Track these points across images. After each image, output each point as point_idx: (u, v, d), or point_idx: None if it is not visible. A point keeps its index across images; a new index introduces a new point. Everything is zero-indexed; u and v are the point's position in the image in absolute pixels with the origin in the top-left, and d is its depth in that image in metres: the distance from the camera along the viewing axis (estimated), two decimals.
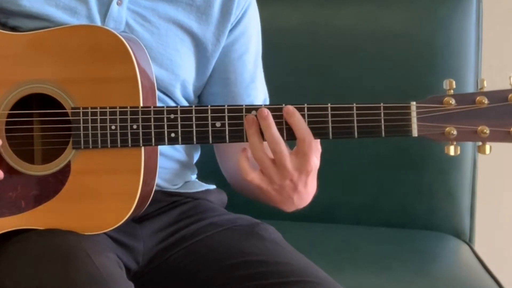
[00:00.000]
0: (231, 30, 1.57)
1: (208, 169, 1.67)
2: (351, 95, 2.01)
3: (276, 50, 1.98)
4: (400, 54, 2.04)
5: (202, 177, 1.67)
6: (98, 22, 1.49)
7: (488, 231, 2.30)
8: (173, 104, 1.54)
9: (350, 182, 2.05)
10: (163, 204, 1.55)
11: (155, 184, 1.44)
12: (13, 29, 1.47)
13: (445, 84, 1.35)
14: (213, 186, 1.66)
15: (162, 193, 1.54)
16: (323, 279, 1.40)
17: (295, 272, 1.40)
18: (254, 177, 1.38)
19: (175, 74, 1.52)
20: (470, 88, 2.04)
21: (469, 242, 2.06)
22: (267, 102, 1.65)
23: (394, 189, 2.05)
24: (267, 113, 1.35)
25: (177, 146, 1.56)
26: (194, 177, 1.66)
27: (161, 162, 1.44)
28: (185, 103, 1.57)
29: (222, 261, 1.44)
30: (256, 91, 1.61)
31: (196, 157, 1.66)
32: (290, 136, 1.36)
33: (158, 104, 1.46)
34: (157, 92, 1.47)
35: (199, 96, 1.61)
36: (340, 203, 2.05)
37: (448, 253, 2.01)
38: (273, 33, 1.98)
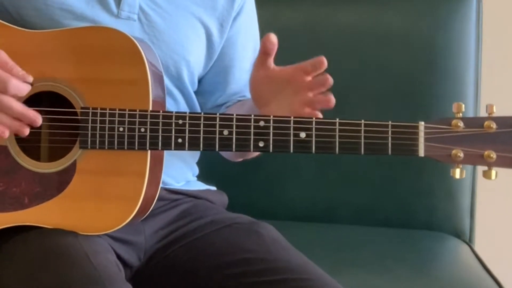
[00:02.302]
0: (235, 18, 1.60)
1: (209, 170, 1.67)
2: (351, 95, 2.01)
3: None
4: (400, 54, 2.04)
5: (202, 179, 1.68)
6: (112, 6, 1.50)
7: (488, 231, 2.30)
8: (179, 95, 1.56)
9: (350, 182, 2.05)
10: (164, 202, 1.55)
11: (158, 191, 1.43)
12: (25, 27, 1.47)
13: (454, 107, 1.34)
14: (213, 188, 1.67)
15: (164, 191, 1.55)
16: (321, 276, 1.42)
17: (293, 269, 1.41)
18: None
19: (186, 60, 1.54)
20: (470, 89, 2.04)
21: (469, 242, 2.06)
22: None
23: (394, 189, 2.05)
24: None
25: None
26: (195, 177, 1.67)
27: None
28: (190, 89, 1.58)
29: (221, 258, 1.45)
30: None
31: (197, 156, 1.67)
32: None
33: (167, 96, 1.46)
34: (166, 81, 1.48)
35: (200, 84, 1.63)
36: (340, 203, 2.05)
37: (448, 253, 2.01)
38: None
